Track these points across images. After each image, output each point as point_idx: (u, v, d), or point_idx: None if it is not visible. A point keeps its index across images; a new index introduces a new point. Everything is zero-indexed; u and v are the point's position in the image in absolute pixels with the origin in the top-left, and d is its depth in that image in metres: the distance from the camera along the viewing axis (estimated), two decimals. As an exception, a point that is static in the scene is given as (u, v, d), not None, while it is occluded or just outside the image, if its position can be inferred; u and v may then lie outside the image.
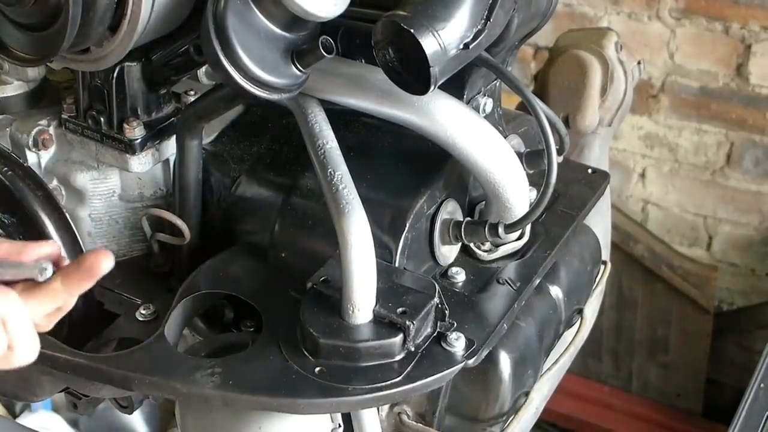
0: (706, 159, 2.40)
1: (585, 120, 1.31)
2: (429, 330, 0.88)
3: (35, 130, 1.03)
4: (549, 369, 1.10)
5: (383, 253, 0.92)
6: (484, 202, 1.04)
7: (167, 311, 0.92)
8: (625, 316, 2.53)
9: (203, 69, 1.06)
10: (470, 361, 0.87)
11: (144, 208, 1.05)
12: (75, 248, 0.98)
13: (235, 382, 0.83)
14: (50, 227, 0.96)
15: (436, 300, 0.88)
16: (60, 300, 0.73)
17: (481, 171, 0.95)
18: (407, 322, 0.84)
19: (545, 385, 1.12)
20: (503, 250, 1.03)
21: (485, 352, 0.89)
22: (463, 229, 0.99)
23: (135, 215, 1.06)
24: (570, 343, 1.13)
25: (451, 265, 1.02)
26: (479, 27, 0.85)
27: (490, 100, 1.04)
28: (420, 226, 0.96)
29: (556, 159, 0.94)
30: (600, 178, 1.20)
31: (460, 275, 1.00)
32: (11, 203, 0.96)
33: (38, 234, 0.96)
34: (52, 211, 0.97)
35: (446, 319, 0.89)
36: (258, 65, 0.81)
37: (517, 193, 0.97)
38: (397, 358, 0.85)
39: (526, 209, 0.98)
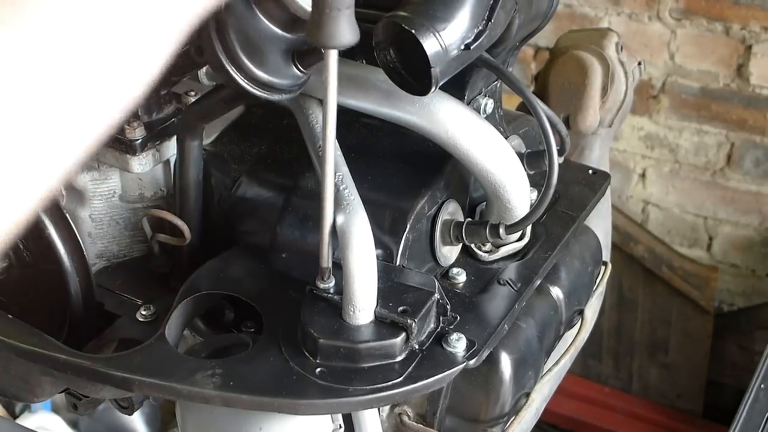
0: (707, 160, 2.40)
1: (585, 121, 1.31)
2: (432, 326, 0.88)
3: (36, 131, 1.03)
4: (549, 370, 1.10)
5: (384, 253, 0.92)
6: (485, 203, 1.04)
7: (168, 312, 0.92)
8: (625, 317, 2.53)
9: (204, 69, 1.06)
10: (471, 362, 0.87)
11: (144, 208, 1.05)
12: (75, 249, 0.98)
13: (235, 382, 0.83)
14: (51, 228, 0.96)
15: (437, 295, 0.88)
16: None
17: (482, 172, 0.95)
18: (409, 321, 0.84)
19: (546, 386, 1.12)
20: (504, 251, 1.03)
21: (486, 353, 0.89)
22: (464, 230, 0.99)
23: (135, 216, 1.06)
24: (570, 344, 1.13)
25: (452, 265, 1.02)
26: (480, 28, 0.85)
27: (491, 100, 1.04)
28: (421, 226, 0.96)
29: (557, 160, 0.94)
30: (600, 179, 1.20)
31: (460, 276, 1.00)
32: (11, 204, 0.96)
33: (38, 234, 0.96)
34: (52, 211, 0.97)
35: (448, 313, 0.89)
36: (259, 66, 0.81)
37: (518, 194, 0.97)
38: (398, 358, 0.85)
39: (527, 210, 0.98)
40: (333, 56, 0.74)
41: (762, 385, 1.47)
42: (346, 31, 0.69)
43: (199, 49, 0.89)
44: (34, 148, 0.42)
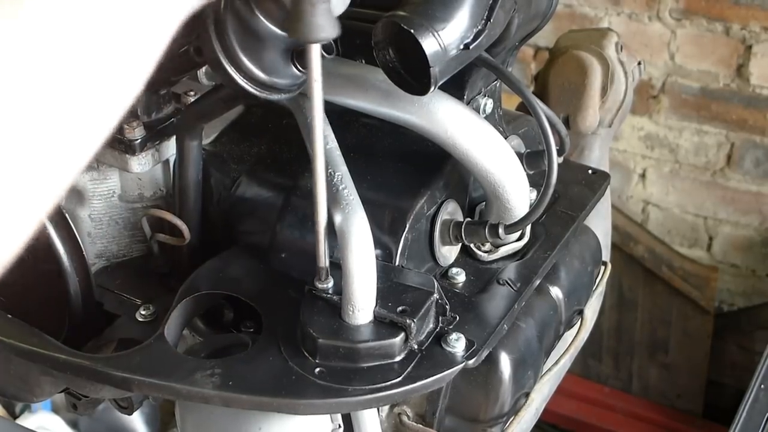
0: (707, 160, 2.40)
1: (585, 121, 1.31)
2: (431, 326, 0.88)
3: (35, 131, 1.03)
4: (549, 370, 1.10)
5: (383, 253, 0.92)
6: (484, 203, 1.04)
7: (167, 312, 0.92)
8: (625, 317, 2.53)
9: (203, 69, 1.06)
10: (470, 362, 0.87)
11: (144, 208, 1.05)
12: (75, 249, 0.98)
13: (234, 382, 0.83)
14: (50, 227, 0.96)
15: (436, 295, 0.88)
16: None
17: (481, 171, 0.95)
18: (408, 321, 0.84)
19: (545, 386, 1.12)
20: (503, 251, 1.03)
21: (485, 353, 0.89)
22: (463, 230, 0.99)
23: (135, 216, 1.06)
24: (570, 344, 1.13)
25: (452, 265, 1.02)
26: (479, 27, 0.85)
27: (491, 100, 1.04)
28: (420, 226, 0.96)
29: (556, 160, 0.94)
30: (600, 179, 1.20)
31: (460, 276, 1.00)
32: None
33: (37, 234, 0.96)
34: (51, 211, 0.97)
35: (447, 313, 0.89)
36: (258, 66, 0.81)
37: (517, 194, 0.97)
38: (398, 358, 0.85)
39: (526, 210, 0.98)
40: (315, 51, 0.74)
41: (762, 385, 1.47)
42: (324, 25, 0.69)
43: (198, 48, 0.89)
44: (39, 151, 0.41)
